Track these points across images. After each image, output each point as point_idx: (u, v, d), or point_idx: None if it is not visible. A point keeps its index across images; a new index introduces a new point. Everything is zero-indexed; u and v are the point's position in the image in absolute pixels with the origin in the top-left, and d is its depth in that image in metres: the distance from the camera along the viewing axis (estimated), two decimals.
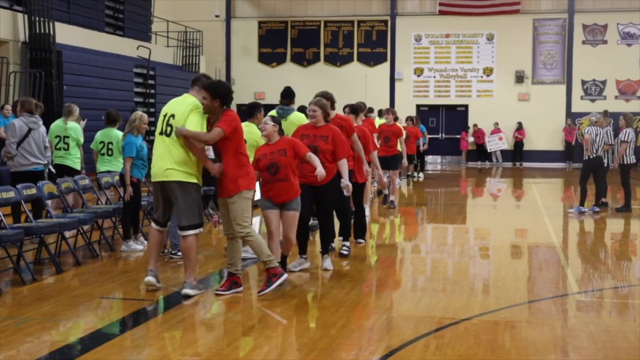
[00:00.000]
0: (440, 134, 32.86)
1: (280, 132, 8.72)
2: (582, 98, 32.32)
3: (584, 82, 32.33)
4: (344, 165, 9.34)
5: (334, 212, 10.19)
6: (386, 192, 16.27)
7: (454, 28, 32.60)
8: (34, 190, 9.96)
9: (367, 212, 13.90)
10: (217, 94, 7.86)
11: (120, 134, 11.52)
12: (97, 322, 7.35)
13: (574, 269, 10.35)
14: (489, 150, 32.61)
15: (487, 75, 32.74)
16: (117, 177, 11.37)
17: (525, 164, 32.15)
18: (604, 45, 32.18)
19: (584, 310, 8.01)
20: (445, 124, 33.13)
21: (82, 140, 13.14)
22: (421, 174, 24.76)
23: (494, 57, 32.59)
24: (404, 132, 18.36)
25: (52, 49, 20.95)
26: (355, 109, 12.38)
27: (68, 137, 12.83)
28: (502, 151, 32.58)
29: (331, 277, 9.45)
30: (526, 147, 32.45)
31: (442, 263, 10.99)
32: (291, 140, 8.73)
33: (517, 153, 32.48)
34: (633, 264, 11.16)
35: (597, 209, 15.85)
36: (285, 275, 8.11)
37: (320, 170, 8.51)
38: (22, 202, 9.84)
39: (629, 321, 7.57)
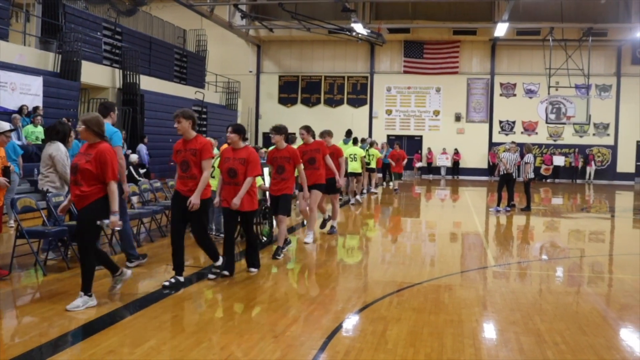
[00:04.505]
0: None
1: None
2: (499, 132, 32.25)
3: (500, 122, 32.29)
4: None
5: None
6: (326, 216, 11.52)
7: (413, 82, 32.60)
8: None
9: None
10: None
11: None
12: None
13: (492, 249, 10.40)
14: (437, 165, 32.64)
15: (436, 116, 32.73)
16: None
17: (461, 177, 32.18)
18: (514, 97, 32.20)
19: (498, 278, 8.04)
20: (407, 149, 33.09)
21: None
22: (391, 183, 24.58)
23: (441, 103, 32.58)
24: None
25: (137, 93, 21.04)
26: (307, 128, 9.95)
27: None
28: (446, 167, 32.66)
29: (324, 253, 9.47)
30: (461, 165, 32.40)
31: (403, 244, 10.98)
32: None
33: (455, 169, 32.47)
34: (530, 246, 11.23)
35: (508, 209, 15.94)
36: None
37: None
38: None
39: (527, 285, 7.64)
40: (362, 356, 4.73)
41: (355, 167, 17.28)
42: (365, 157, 18.08)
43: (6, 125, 7.38)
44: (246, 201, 7.25)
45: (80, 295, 5.80)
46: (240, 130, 7.34)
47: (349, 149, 17.48)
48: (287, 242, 9.08)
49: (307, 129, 9.91)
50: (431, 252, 10.16)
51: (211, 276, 7.19)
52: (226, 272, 7.29)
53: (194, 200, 6.63)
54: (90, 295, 5.84)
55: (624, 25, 28.47)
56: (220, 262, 7.23)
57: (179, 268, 6.88)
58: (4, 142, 7.33)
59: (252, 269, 7.64)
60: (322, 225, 11.19)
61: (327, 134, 11.16)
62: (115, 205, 5.68)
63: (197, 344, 4.91)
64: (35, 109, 15.93)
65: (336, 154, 11.12)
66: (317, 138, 10.50)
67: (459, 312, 6.06)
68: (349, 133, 18.76)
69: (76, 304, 5.74)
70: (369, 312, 6.02)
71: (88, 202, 5.68)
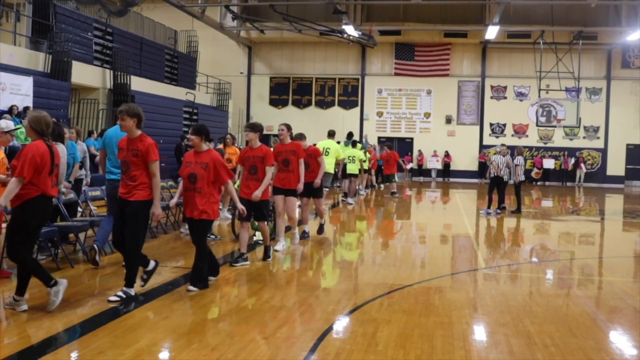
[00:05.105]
0: None
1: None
2: (490, 135, 32.42)
3: (491, 124, 32.45)
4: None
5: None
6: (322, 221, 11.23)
7: (404, 84, 32.66)
8: (71, 195, 9.08)
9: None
10: None
11: None
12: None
13: (482, 252, 10.44)
14: (428, 167, 32.70)
15: (427, 118, 32.80)
16: None
17: (452, 179, 32.27)
18: (505, 99, 32.36)
19: (488, 280, 8.07)
20: (398, 151, 33.01)
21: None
22: (382, 185, 24.73)
23: (432, 105, 32.66)
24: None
25: (128, 93, 20.94)
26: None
27: None
28: (436, 170, 32.74)
29: (314, 257, 9.47)
30: (452, 168, 32.49)
31: (393, 246, 10.99)
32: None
33: (446, 171, 32.56)
34: (521, 248, 11.27)
35: (498, 211, 15.99)
36: None
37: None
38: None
39: (517, 287, 7.67)
40: (352, 357, 4.74)
41: (352, 168, 17.70)
42: (364, 160, 18.51)
43: (11, 124, 7.34)
44: (201, 208, 6.58)
45: (48, 293, 5.62)
46: (201, 132, 6.75)
47: (347, 151, 17.86)
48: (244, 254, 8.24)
49: (288, 127, 9.31)
50: (422, 254, 10.18)
51: (118, 296, 6.13)
52: (211, 277, 6.99)
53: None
54: (54, 284, 5.60)
55: (614, 29, 28.72)
56: (128, 291, 6.14)
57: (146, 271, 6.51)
58: (9, 140, 7.28)
59: (191, 287, 6.60)
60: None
61: (299, 137, 10.34)
62: (2, 198, 5.37)
63: (188, 344, 4.91)
64: (26, 109, 15.85)
65: (314, 154, 10.74)
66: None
67: (449, 314, 6.07)
68: (349, 135, 18.98)
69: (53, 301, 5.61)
70: (360, 313, 6.02)
71: (19, 202, 5.40)
